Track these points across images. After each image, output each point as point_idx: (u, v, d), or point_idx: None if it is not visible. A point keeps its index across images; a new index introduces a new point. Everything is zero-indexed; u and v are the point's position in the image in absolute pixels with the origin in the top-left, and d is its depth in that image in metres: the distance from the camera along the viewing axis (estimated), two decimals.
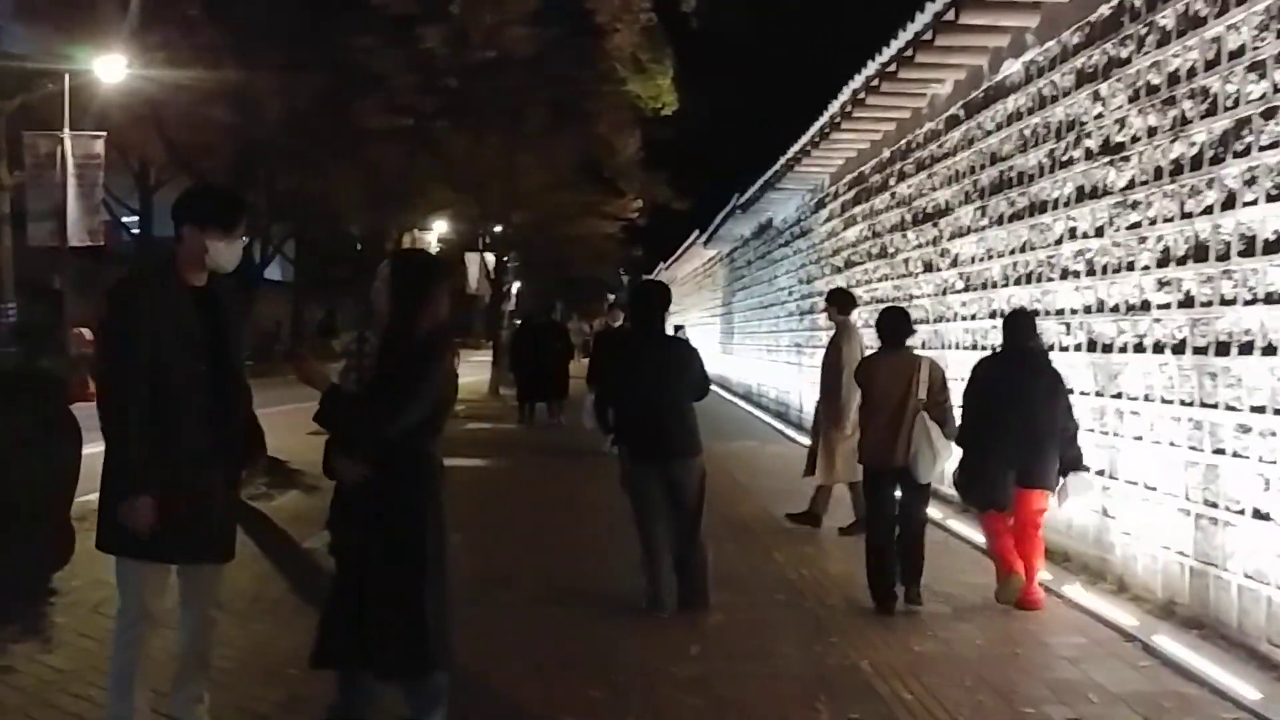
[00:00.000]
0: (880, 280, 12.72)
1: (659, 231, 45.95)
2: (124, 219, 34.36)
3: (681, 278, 44.01)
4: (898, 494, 6.57)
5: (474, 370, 26.77)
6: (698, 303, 37.92)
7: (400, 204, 20.97)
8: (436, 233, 38.00)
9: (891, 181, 12.42)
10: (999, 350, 6.91)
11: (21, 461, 6.39)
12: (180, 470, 3.82)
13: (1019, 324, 6.64)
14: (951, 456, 6.53)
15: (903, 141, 11.98)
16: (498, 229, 46.09)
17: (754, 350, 23.13)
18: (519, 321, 21.49)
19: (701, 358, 6.57)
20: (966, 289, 9.85)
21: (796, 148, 14.77)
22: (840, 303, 9.35)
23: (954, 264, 10.20)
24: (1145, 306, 6.64)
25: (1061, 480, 6.36)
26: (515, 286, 68.67)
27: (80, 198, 19.54)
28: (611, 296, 55.95)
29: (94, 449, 4.62)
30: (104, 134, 19.95)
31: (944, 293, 10.47)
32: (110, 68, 17.78)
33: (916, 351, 6.99)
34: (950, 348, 10.26)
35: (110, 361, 3.91)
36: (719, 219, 24.53)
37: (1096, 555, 7.18)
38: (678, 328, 25.07)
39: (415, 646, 4.02)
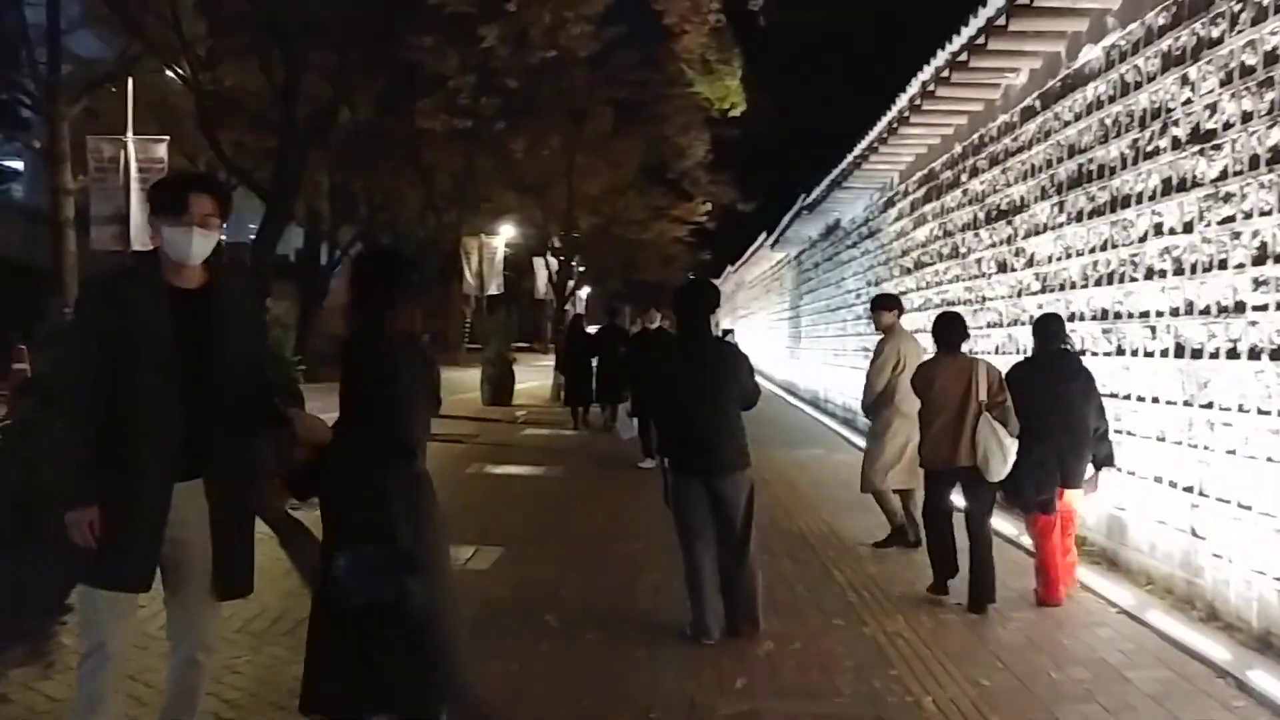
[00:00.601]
0: (951, 282, 12.14)
1: (727, 235, 45.48)
2: None
3: (750, 281, 43.43)
4: (960, 501, 6.71)
5: (537, 375, 26.54)
6: (765, 306, 37.31)
7: (462, 207, 20.72)
8: (504, 237, 37.95)
9: (963, 178, 11.84)
10: (1031, 355, 7.02)
11: (52, 466, 6.17)
12: (132, 484, 3.43)
13: (1049, 328, 6.85)
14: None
15: (975, 136, 11.40)
16: (564, 233, 46.11)
17: (821, 354, 22.54)
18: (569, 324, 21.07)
19: (751, 363, 6.11)
20: (1043, 290, 9.27)
21: (864, 144, 14.21)
22: (882, 308, 8.70)
23: (1029, 264, 9.61)
24: (1240, 308, 6.06)
25: (1094, 473, 6.63)
26: (584, 292, 68.61)
27: (143, 202, 19.61)
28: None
29: None
30: (167, 138, 20.02)
31: (1019, 294, 9.89)
32: (171, 72, 17.75)
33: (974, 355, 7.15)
34: (1026, 353, 9.66)
35: (65, 358, 3.57)
36: (786, 220, 23.96)
37: (1184, 579, 6.60)
38: (726, 331, 24.60)
39: (424, 681, 3.78)
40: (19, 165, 34.29)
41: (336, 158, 26.49)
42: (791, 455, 13.72)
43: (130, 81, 19.36)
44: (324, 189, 32.88)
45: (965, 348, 6.85)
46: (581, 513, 9.88)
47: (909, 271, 14.19)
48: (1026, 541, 7.29)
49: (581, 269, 56.97)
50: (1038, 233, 9.42)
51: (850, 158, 15.26)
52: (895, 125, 12.56)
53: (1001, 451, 6.34)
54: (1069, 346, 6.92)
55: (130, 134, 19.72)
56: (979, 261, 11.16)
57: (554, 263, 49.89)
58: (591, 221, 41.65)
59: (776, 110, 35.40)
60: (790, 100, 34.31)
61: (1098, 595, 6.86)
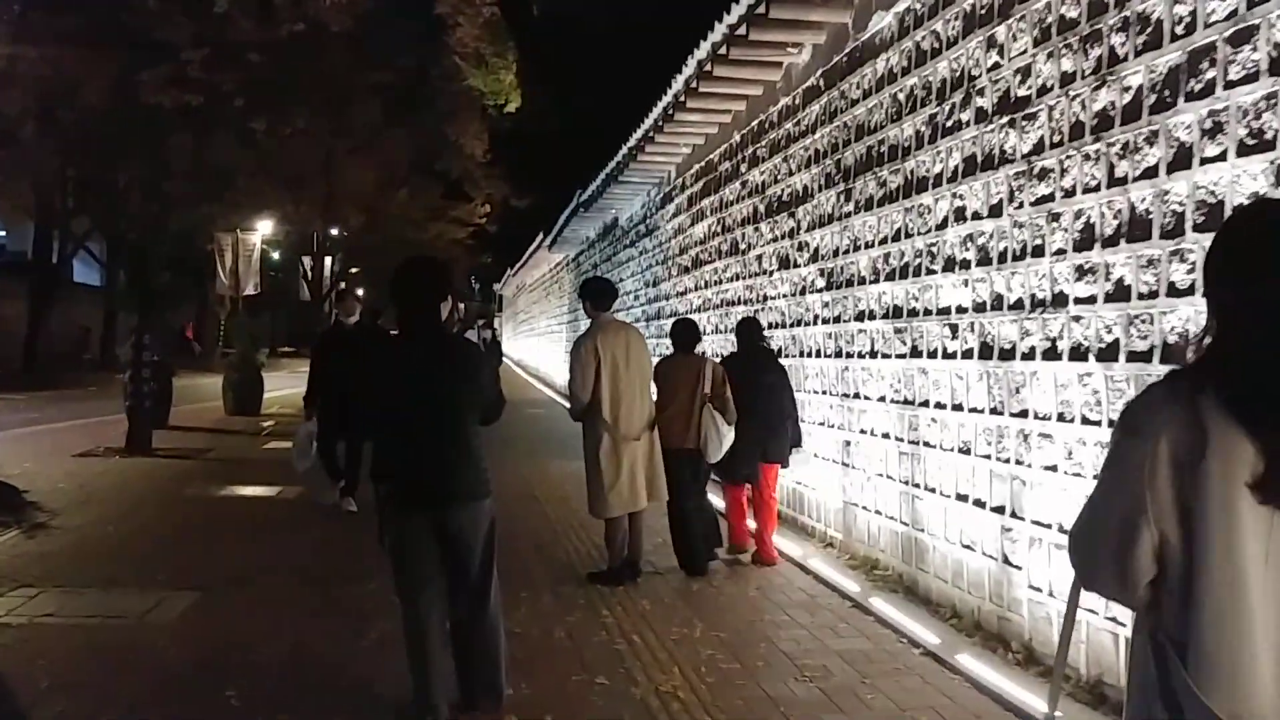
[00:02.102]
0: (732, 280, 11.29)
1: (508, 237, 44.24)
2: None
3: (530, 284, 42.32)
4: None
5: (296, 381, 24.43)
6: (546, 310, 36.25)
7: (205, 197, 18.69)
8: (261, 233, 35.39)
9: (742, 168, 11.01)
10: (735, 351, 8.08)
11: None
12: None
13: (750, 328, 8.08)
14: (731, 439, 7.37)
15: (754, 122, 10.57)
16: (334, 231, 43.70)
17: None
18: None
19: (496, 364, 4.91)
20: (828, 287, 8.44)
21: (639, 134, 13.26)
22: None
23: (814, 258, 8.79)
24: (1060, 300, 5.27)
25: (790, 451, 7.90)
26: (359, 293, 65.88)
27: None
28: (462, 306, 53.70)
29: None
30: None
31: (802, 292, 9.06)
32: None
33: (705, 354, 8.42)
34: (810, 354, 8.84)
35: None
36: (563, 219, 22.93)
37: (995, 613, 5.78)
38: (485, 325, 23.35)
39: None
40: None
41: (69, 144, 23.83)
42: (568, 467, 12.54)
43: None
44: (57, 178, 29.81)
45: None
46: (312, 544, 8.39)
47: (687, 270, 13.32)
48: None
49: (354, 269, 54.49)
50: (822, 224, 8.61)
51: (625, 150, 14.32)
52: (671, 112, 11.63)
53: (718, 436, 7.33)
54: (767, 344, 8.35)
55: None
56: (759, 258, 10.32)
57: (327, 262, 47.48)
58: (361, 220, 39.59)
59: (553, 104, 34.37)
60: (568, 93, 33.33)
61: (897, 631, 5.99)
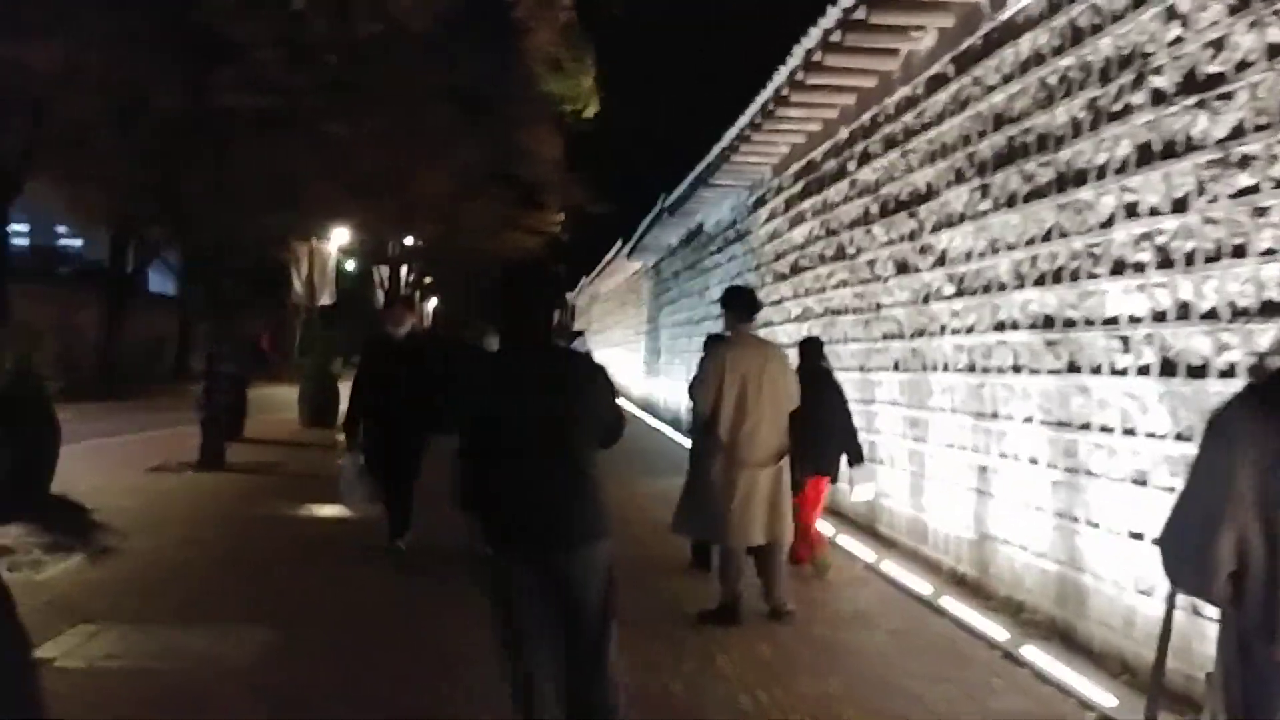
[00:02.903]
0: (837, 287, 10.51)
1: (582, 246, 43.75)
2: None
3: (605, 293, 41.80)
4: None
5: None
6: (622, 320, 35.66)
7: (281, 206, 18.31)
8: (337, 242, 35.26)
9: (850, 166, 10.23)
10: (798, 368, 7.54)
11: None
12: None
13: (812, 348, 8.24)
14: None
15: (866, 116, 9.79)
16: (408, 241, 43.52)
17: (683, 370, 20.86)
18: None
19: (612, 382, 4.23)
20: (959, 294, 7.65)
21: (732, 134, 12.52)
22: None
23: (940, 262, 7.99)
24: (1272, 309, 4.46)
25: (850, 470, 7.95)
26: (431, 304, 65.78)
27: None
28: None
29: None
30: None
31: (925, 299, 8.27)
32: None
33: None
34: (935, 369, 8.05)
35: None
36: (644, 226, 22.26)
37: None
38: (576, 333, 22.69)
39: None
40: None
41: (143, 151, 23.64)
42: (655, 486, 11.83)
43: None
44: (133, 187, 29.82)
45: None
46: (395, 575, 7.76)
47: (784, 278, 12.55)
48: None
49: (428, 279, 54.37)
50: (951, 224, 7.81)
51: (716, 151, 13.58)
52: (771, 108, 10.87)
53: None
54: (826, 365, 8.24)
55: None
56: (872, 263, 9.53)
57: (388, 271, 47.32)
58: (435, 228, 39.35)
59: (633, 108, 33.72)
60: (649, 96, 32.69)
61: (1061, 689, 5.19)
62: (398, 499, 8.05)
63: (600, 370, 4.11)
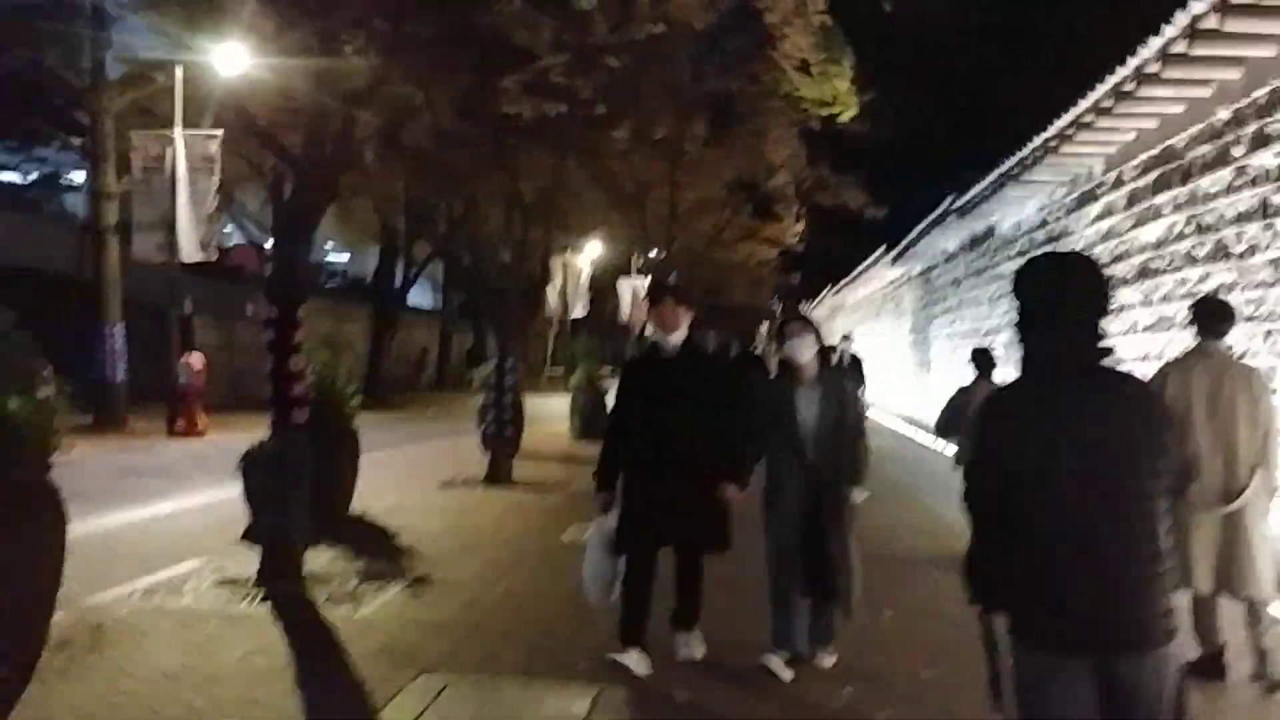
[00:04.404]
0: (1220, 291, 9.02)
1: (816, 257, 42.54)
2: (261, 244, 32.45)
3: (852, 304, 40.42)
4: None
5: None
6: (873, 330, 34.16)
7: (550, 220, 17.99)
8: (589, 255, 35.24)
9: (1236, 151, 8.74)
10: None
11: None
12: None
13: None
14: None
15: (1261, 92, 8.32)
16: (652, 253, 43.33)
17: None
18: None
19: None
20: None
21: (1065, 121, 11.12)
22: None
23: None
24: None
25: None
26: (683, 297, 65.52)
27: (192, 205, 17.20)
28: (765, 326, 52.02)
29: None
30: (219, 133, 17.62)
31: None
32: (228, 58, 15.06)
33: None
34: None
35: None
36: (919, 230, 20.90)
37: None
38: (844, 337, 21.45)
39: None
40: (79, 176, 32.61)
41: (413, 165, 23.97)
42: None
43: (179, 70, 17.03)
44: (400, 202, 30.58)
45: None
46: (737, 607, 6.86)
47: (1126, 282, 11.07)
48: None
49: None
50: None
51: (1038, 142, 12.18)
52: (1129, 88, 9.48)
53: None
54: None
55: (179, 128, 17.37)
56: (1276, 263, 8.05)
57: (641, 284, 47.22)
58: (679, 240, 38.96)
59: (895, 111, 32.20)
60: (920, 98, 31.11)
61: None
62: (684, 579, 5.81)
63: (1157, 396, 3.02)
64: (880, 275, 30.60)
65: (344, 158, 7.83)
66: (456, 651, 5.75)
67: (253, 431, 18.99)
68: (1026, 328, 3.01)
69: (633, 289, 45.46)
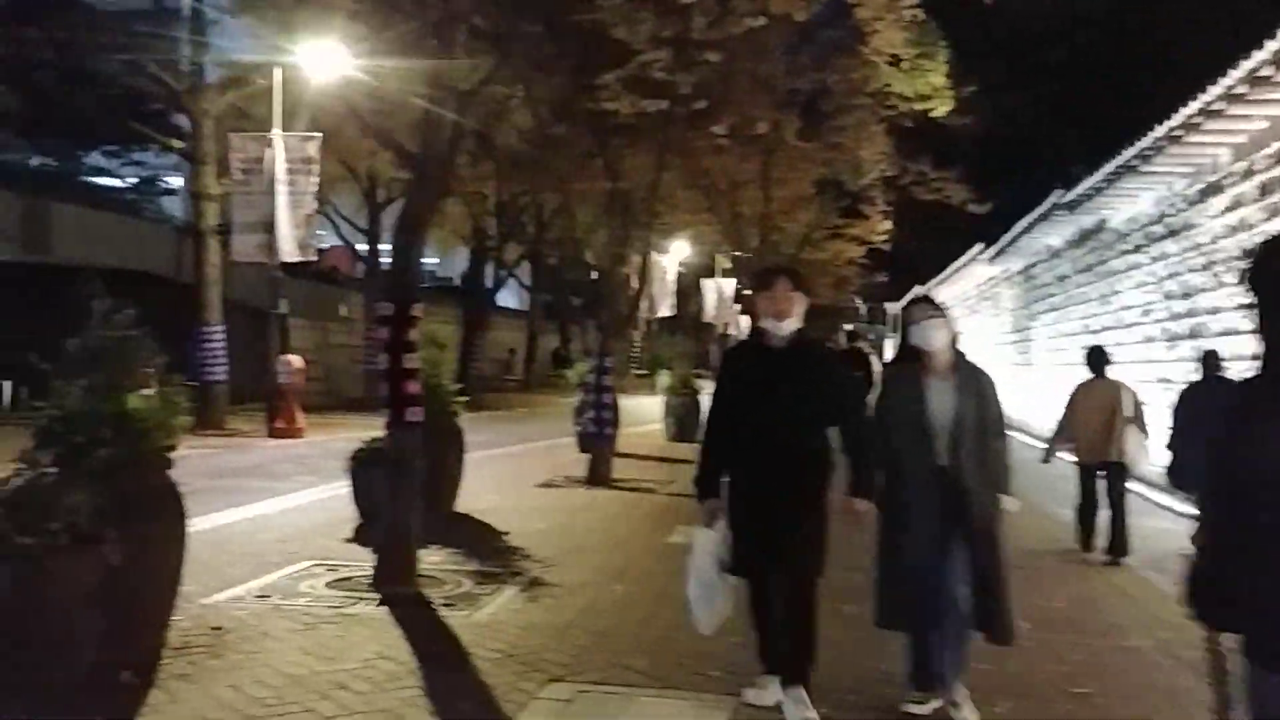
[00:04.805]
0: None
1: (902, 255, 41.85)
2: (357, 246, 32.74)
3: (943, 302, 39.69)
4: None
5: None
6: (965, 328, 33.42)
7: (650, 215, 17.82)
8: (676, 255, 35.05)
9: None
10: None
11: None
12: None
13: (1210, 362, 8.72)
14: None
15: None
16: (736, 253, 42.97)
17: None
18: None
19: None
20: None
21: (1196, 107, 10.61)
22: None
23: None
24: None
25: None
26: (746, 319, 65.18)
27: (291, 206, 17.33)
28: (849, 327, 51.20)
29: None
30: (319, 135, 17.75)
31: None
32: (324, 60, 15.09)
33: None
34: None
35: None
36: (1022, 226, 20.34)
37: None
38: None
39: None
40: (178, 180, 33.32)
41: (504, 166, 23.98)
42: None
43: (278, 71, 17.17)
44: (490, 203, 30.69)
45: None
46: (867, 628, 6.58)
47: None
48: None
49: (747, 291, 53.73)
50: None
51: (1161, 132, 11.66)
52: (1265, 74, 8.99)
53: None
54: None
55: (278, 129, 17.52)
56: None
57: (727, 284, 46.85)
58: (763, 240, 38.61)
59: (993, 105, 31.46)
60: (1019, 91, 30.38)
61: None
62: (795, 613, 4.83)
63: None
64: (973, 273, 29.94)
65: (456, 155, 7.70)
66: (580, 658, 5.55)
67: (350, 431, 19.08)
68: (1270, 319, 2.69)
69: (717, 289, 45.26)
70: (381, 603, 6.50)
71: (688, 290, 50.19)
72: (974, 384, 4.91)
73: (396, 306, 6.90)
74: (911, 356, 4.95)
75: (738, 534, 4.78)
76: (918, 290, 45.51)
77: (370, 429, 9.01)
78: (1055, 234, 19.40)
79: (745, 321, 73.72)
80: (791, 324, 4.86)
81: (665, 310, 33.37)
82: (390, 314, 6.91)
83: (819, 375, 4.92)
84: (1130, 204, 15.00)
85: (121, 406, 5.11)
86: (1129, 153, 12.83)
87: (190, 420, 5.85)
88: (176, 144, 20.60)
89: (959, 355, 4.96)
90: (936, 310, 5.00)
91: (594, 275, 39.89)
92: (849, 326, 48.42)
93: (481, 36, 11.30)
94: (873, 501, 4.82)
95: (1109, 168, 13.85)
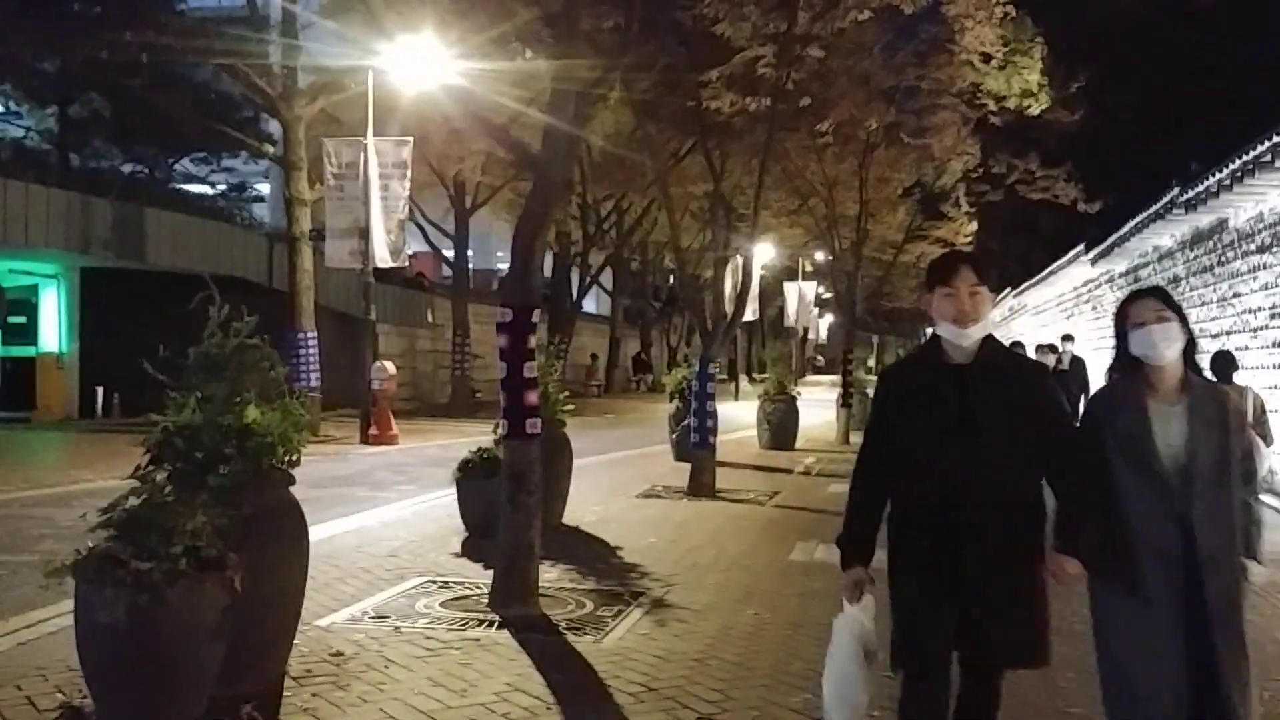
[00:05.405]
0: None
1: (987, 257, 40.95)
2: (444, 251, 32.65)
3: (1036, 305, 38.65)
4: None
5: (814, 411, 22.53)
6: (1059, 334, 32.40)
7: (750, 217, 17.43)
8: (759, 258, 34.47)
9: None
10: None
11: None
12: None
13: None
14: None
15: None
16: (819, 256, 42.34)
17: None
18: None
19: None
20: None
21: None
22: None
23: None
24: None
25: None
26: (826, 320, 64.24)
27: (384, 211, 17.21)
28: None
29: None
30: (410, 139, 17.62)
31: None
32: (417, 63, 14.86)
33: None
34: None
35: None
36: (1132, 225, 19.54)
37: None
38: (1065, 337, 20.18)
39: None
40: (265, 187, 33.63)
41: (592, 168, 23.69)
42: None
43: (370, 75, 17.05)
44: (573, 207, 30.49)
45: None
46: None
47: None
48: None
49: (828, 295, 53.00)
50: None
51: None
52: None
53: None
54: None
55: (370, 134, 17.41)
56: None
57: (808, 287, 46.20)
58: (848, 242, 38.01)
59: (1096, 103, 30.54)
60: (1123, 91, 29.42)
61: None
62: (973, 710, 3.74)
63: None
64: (1071, 275, 28.97)
65: (576, 154, 7.37)
66: (727, 694, 5.13)
67: (442, 438, 18.89)
68: None
69: (799, 292, 44.62)
70: (502, 625, 6.17)
71: (769, 293, 49.65)
72: (1211, 408, 3.61)
73: (515, 312, 6.58)
74: (1129, 368, 3.69)
75: (910, 616, 3.60)
76: (1007, 294, 44.39)
77: (461, 436, 8.78)
78: (1166, 234, 18.57)
79: (824, 325, 72.64)
80: (978, 330, 3.61)
81: (750, 314, 32.93)
82: (509, 320, 6.58)
83: (1026, 398, 3.63)
84: (1256, 202, 14.22)
85: (243, 420, 4.83)
86: (1261, 148, 12.10)
87: (313, 433, 5.56)
88: (269, 149, 20.64)
89: (1191, 369, 3.66)
90: (1171, 309, 3.62)
91: (672, 280, 39.36)
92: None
93: (583, 34, 10.99)
94: (1084, 561, 3.55)
95: (1236, 164, 13.10)
